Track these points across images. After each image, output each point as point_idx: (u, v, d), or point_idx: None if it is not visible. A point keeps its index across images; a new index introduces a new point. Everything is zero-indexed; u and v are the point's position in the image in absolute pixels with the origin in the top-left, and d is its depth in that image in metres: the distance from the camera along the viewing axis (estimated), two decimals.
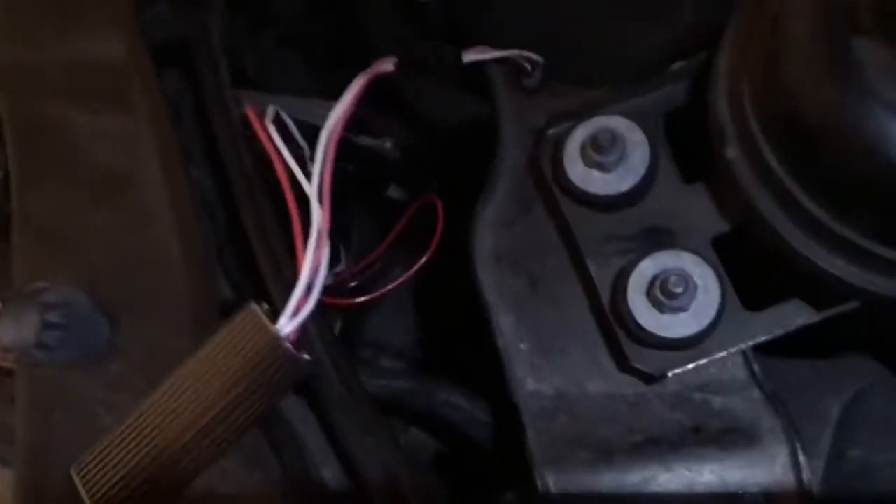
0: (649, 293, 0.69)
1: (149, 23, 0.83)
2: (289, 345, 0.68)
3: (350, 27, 1.38)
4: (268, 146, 0.77)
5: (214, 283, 0.77)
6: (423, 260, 0.97)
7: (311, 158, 0.99)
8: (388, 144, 1.16)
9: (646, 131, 0.74)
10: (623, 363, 0.72)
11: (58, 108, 0.85)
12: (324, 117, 1.14)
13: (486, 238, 0.80)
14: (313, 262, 0.70)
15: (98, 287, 0.82)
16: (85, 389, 0.81)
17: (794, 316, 0.70)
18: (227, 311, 0.76)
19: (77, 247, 0.84)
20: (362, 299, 1.00)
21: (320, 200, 0.72)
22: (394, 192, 1.13)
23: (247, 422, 0.68)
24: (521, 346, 0.76)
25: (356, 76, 1.45)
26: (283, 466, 0.76)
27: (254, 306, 0.69)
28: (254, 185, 0.78)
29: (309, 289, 0.70)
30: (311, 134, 0.99)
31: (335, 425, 0.74)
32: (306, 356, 0.70)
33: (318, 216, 0.71)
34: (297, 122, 0.98)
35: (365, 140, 1.16)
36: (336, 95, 1.27)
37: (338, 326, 1.03)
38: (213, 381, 0.67)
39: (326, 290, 1.00)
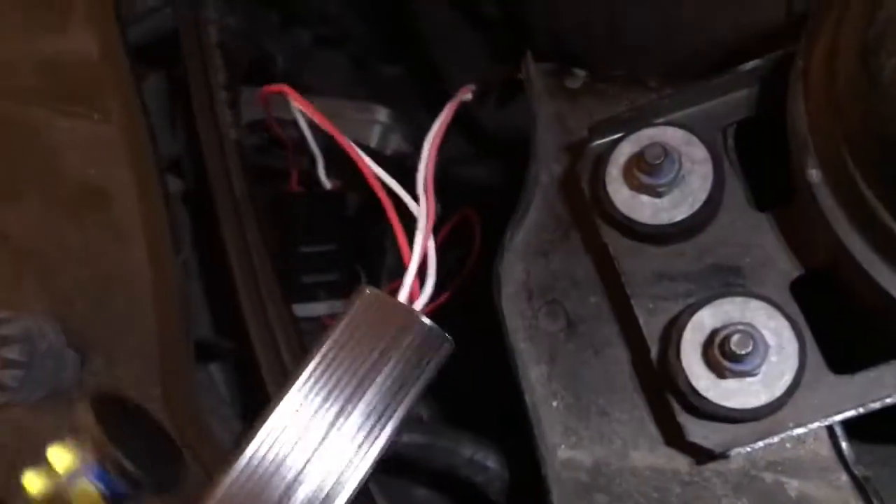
0: (708, 352, 0.55)
1: (132, 16, 0.72)
2: (426, 319, 0.61)
3: (398, 24, 1.28)
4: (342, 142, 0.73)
5: (188, 319, 0.66)
6: (453, 287, 0.85)
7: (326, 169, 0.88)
8: None
9: (707, 146, 0.60)
10: (674, 434, 0.58)
11: (34, 111, 0.75)
12: (358, 121, 1.04)
13: (515, 270, 0.67)
14: (421, 249, 0.65)
15: (71, 318, 0.72)
16: (52, 436, 0.71)
17: (894, 383, 0.55)
18: (203, 352, 0.65)
19: (53, 270, 0.75)
20: None
21: (426, 192, 0.68)
22: None
23: (398, 418, 0.58)
24: (554, 403, 0.64)
25: (405, 77, 1.35)
26: None
27: (369, 287, 0.62)
28: (240, 205, 0.67)
29: (422, 276, 0.64)
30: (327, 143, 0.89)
31: None
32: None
33: (425, 208, 0.67)
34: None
35: (399, 146, 1.04)
36: (378, 96, 1.16)
37: None
38: (350, 372, 0.58)
39: None
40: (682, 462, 0.60)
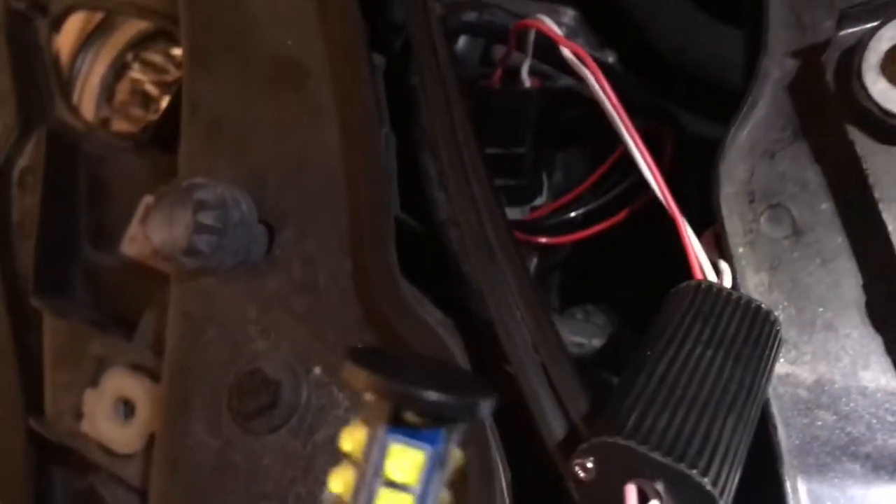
0: None
1: None
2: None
3: None
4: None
5: (387, 195, 0.63)
6: (634, 207, 0.79)
7: None
8: (610, 59, 0.98)
9: None
10: None
11: None
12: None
13: (737, 169, 0.62)
14: None
15: (262, 191, 0.71)
16: (238, 306, 0.70)
17: None
18: (401, 235, 0.63)
19: (244, 142, 0.73)
20: (563, 238, 0.84)
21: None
22: None
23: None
24: (774, 314, 0.59)
25: None
26: None
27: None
28: (448, 87, 0.63)
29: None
30: None
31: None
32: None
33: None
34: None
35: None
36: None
37: (533, 265, 0.88)
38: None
39: (522, 225, 0.86)
40: None
